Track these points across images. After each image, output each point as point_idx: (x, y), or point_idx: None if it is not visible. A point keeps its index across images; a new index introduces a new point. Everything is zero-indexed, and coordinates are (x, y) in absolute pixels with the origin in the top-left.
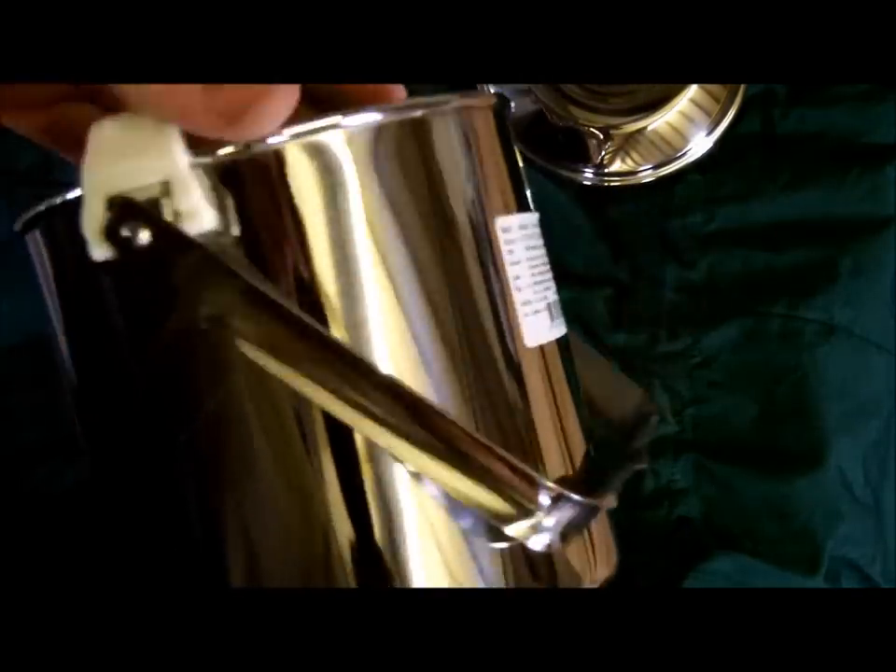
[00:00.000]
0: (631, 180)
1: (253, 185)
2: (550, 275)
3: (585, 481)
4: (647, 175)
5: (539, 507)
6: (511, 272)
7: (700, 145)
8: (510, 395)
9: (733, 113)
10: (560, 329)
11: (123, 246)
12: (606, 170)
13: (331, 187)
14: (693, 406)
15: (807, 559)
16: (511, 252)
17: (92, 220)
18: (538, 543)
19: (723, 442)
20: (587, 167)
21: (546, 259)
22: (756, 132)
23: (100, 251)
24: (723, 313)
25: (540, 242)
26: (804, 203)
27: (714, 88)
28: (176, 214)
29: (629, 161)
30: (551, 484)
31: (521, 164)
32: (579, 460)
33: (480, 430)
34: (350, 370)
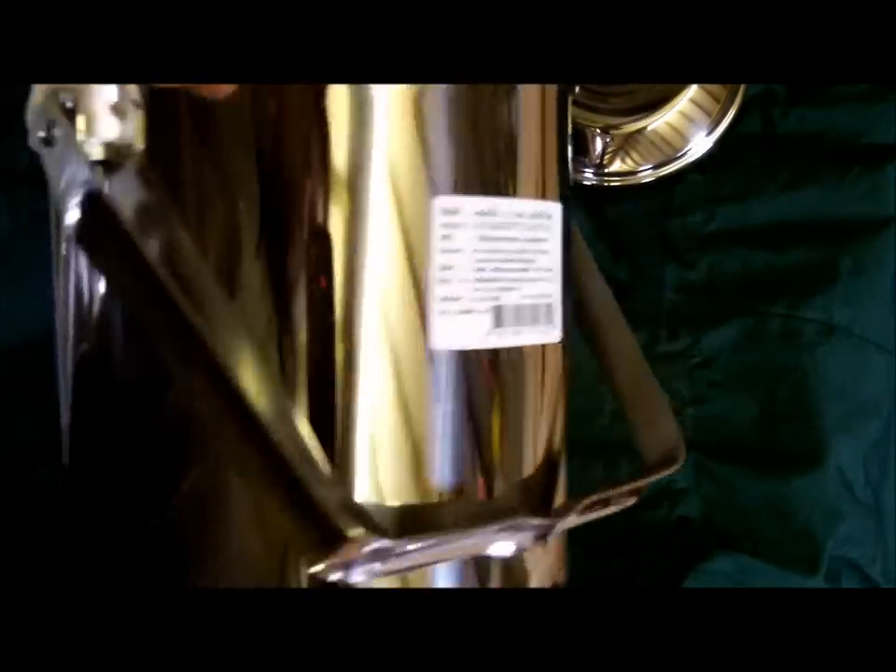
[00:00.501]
0: (631, 180)
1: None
2: (529, 276)
3: (500, 510)
4: (647, 175)
5: (332, 555)
6: (439, 259)
7: (700, 145)
8: (387, 395)
9: (733, 113)
10: (520, 339)
11: (46, 139)
12: (606, 170)
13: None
14: (693, 406)
15: (807, 559)
16: (447, 238)
17: (31, 109)
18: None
19: (723, 442)
20: (587, 167)
21: (534, 258)
22: (756, 132)
23: (32, 140)
24: (723, 313)
25: (535, 235)
26: (804, 203)
27: (714, 88)
28: (87, 117)
29: (629, 161)
30: (358, 533)
31: (561, 153)
32: (503, 487)
33: (349, 425)
34: (180, 343)
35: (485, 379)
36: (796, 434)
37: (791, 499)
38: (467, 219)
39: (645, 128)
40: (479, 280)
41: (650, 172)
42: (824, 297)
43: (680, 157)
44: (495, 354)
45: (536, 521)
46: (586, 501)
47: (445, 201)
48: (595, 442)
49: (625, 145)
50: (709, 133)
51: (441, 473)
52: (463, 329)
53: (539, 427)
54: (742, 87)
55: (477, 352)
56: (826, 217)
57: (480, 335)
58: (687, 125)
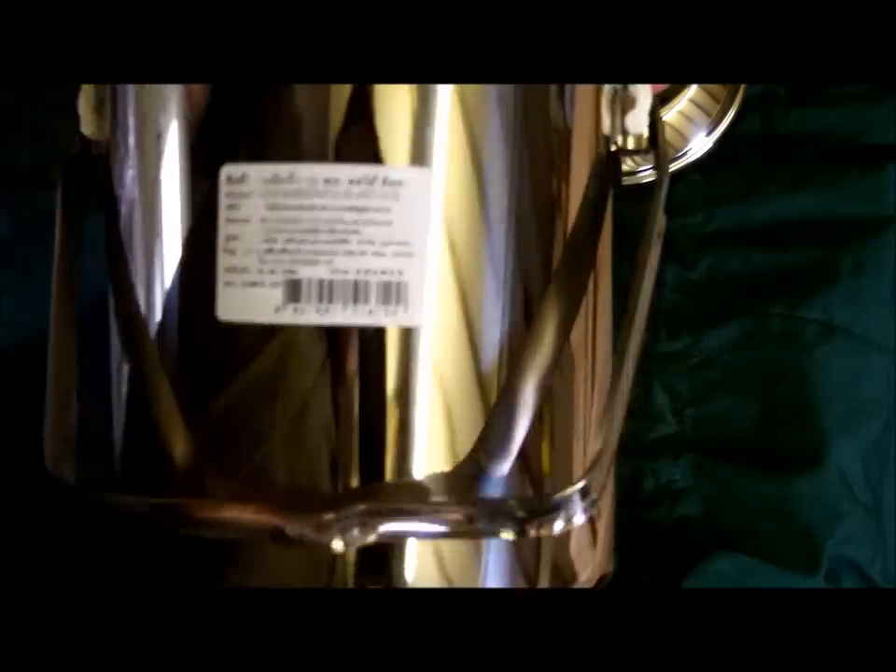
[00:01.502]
0: (631, 180)
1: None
2: (348, 249)
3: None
4: (647, 175)
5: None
6: (225, 230)
7: (700, 145)
8: (176, 365)
9: (733, 113)
10: (332, 318)
11: None
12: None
13: None
14: (693, 406)
15: (807, 559)
16: (234, 207)
17: None
18: None
19: (723, 442)
20: None
21: (358, 230)
22: (756, 132)
23: None
24: (723, 313)
25: (363, 203)
26: (804, 203)
27: (714, 88)
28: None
29: (629, 161)
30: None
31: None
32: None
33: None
34: None
35: (277, 357)
36: (796, 434)
37: (791, 499)
38: (253, 187)
39: None
40: (268, 251)
41: (650, 172)
42: (824, 297)
43: (680, 157)
44: (294, 331)
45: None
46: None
47: (231, 168)
48: None
49: None
50: (709, 133)
51: (192, 448)
52: (249, 302)
53: (339, 417)
54: (742, 87)
55: (270, 327)
56: (826, 217)
57: (269, 310)
58: (687, 125)
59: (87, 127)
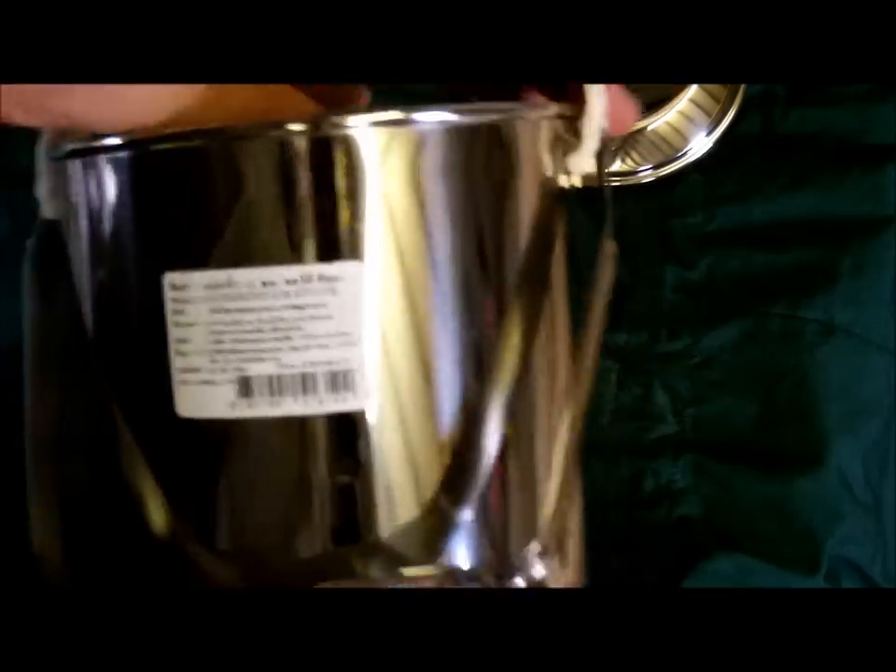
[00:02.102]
0: (631, 180)
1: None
2: (292, 345)
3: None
4: (647, 175)
5: None
6: (174, 333)
7: (700, 145)
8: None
9: (733, 113)
10: (284, 409)
11: None
12: (606, 170)
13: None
14: (693, 406)
15: (807, 559)
16: (180, 312)
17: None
18: None
19: (723, 442)
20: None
21: (300, 326)
22: (756, 132)
23: None
24: (723, 313)
25: (299, 301)
26: (804, 203)
27: (714, 88)
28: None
29: (629, 161)
30: None
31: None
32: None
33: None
34: None
35: (238, 449)
36: (796, 434)
37: (791, 499)
38: (197, 293)
39: (645, 128)
40: (217, 352)
41: (650, 172)
42: (824, 297)
43: (680, 157)
44: (245, 423)
45: None
46: None
47: (173, 276)
48: (595, 442)
49: (625, 145)
50: (709, 133)
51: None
52: (205, 399)
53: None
54: (742, 87)
55: (226, 421)
56: (826, 217)
57: (224, 406)
58: (687, 125)
59: (47, 210)
